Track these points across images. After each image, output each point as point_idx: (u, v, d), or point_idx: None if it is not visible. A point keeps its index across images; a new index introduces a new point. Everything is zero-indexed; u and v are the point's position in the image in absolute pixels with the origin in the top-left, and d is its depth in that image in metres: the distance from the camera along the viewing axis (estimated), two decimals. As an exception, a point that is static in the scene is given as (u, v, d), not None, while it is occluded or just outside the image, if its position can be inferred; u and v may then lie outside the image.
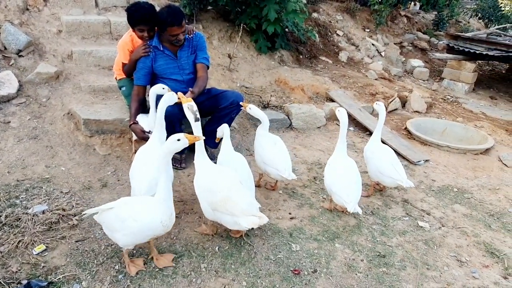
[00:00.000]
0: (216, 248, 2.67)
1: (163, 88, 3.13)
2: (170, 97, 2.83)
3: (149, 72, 3.51)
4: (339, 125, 4.96)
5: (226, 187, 2.48)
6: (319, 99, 5.45)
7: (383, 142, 4.55)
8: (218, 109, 3.64)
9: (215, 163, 3.74)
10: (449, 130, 5.32)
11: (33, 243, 2.49)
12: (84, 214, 2.39)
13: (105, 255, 2.49)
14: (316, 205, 3.34)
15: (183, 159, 3.69)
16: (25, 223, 2.62)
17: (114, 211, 2.25)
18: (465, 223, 3.32)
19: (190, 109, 2.59)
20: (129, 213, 2.21)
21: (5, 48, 4.24)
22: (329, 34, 7.67)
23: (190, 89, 3.38)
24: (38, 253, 2.43)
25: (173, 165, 3.64)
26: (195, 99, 3.57)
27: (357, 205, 2.94)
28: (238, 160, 3.02)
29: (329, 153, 4.21)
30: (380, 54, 7.86)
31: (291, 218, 3.10)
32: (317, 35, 7.29)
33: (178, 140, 2.23)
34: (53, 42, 4.62)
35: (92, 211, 2.32)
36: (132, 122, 3.35)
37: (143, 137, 3.32)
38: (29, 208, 2.76)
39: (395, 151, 4.41)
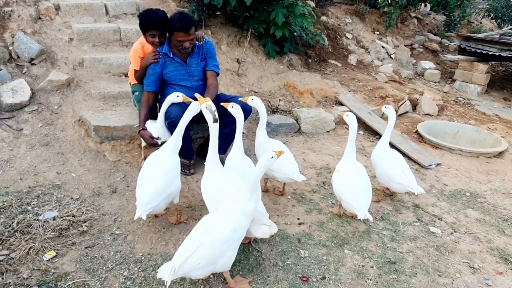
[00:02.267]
0: (224, 255, 2.66)
1: (178, 96, 3.14)
2: (194, 107, 2.85)
3: (158, 78, 3.54)
4: (347, 129, 4.97)
5: (234, 196, 2.47)
6: (328, 103, 5.43)
7: (393, 146, 4.52)
8: (226, 115, 3.64)
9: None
10: (461, 133, 5.23)
11: (43, 250, 2.53)
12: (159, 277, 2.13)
13: (114, 261, 2.51)
14: (325, 210, 3.31)
15: (191, 164, 3.70)
16: (36, 229, 2.66)
17: (204, 251, 2.10)
18: (478, 228, 3.26)
19: (209, 109, 2.57)
20: (226, 245, 2.15)
21: (18, 57, 4.32)
22: (338, 37, 7.64)
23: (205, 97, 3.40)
24: (49, 260, 2.46)
25: (181, 171, 3.67)
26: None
27: (367, 212, 2.91)
28: (246, 164, 3.02)
29: (338, 157, 4.18)
30: (390, 57, 7.79)
31: (300, 224, 3.09)
32: (325, 39, 7.27)
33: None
34: (64, 50, 4.70)
35: (167, 273, 2.05)
36: (141, 128, 3.38)
37: (152, 143, 3.35)
38: (40, 215, 2.80)
39: (405, 155, 4.37)
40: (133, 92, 3.82)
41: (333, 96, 5.53)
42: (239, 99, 3.45)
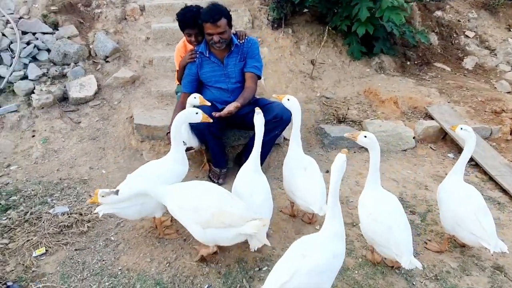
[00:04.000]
0: (205, 287, 2.28)
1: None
2: (182, 115, 2.56)
3: (194, 78, 3.33)
4: (433, 149, 3.97)
5: (214, 202, 2.21)
6: (415, 115, 4.44)
7: (490, 178, 3.44)
8: (266, 122, 3.21)
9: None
10: None
11: (39, 245, 2.55)
12: None
13: (91, 271, 2.37)
14: (357, 252, 2.61)
15: (222, 174, 3.39)
16: (43, 222, 2.72)
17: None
18: None
19: None
20: (324, 275, 1.92)
21: (96, 55, 4.66)
22: (454, 35, 6.31)
23: (234, 102, 3.06)
24: (37, 256, 2.47)
25: (211, 179, 3.40)
26: (239, 110, 3.27)
27: (414, 258, 2.17)
28: (257, 183, 2.56)
29: (404, 185, 3.34)
30: (526, 61, 6.08)
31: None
32: (430, 37, 6.07)
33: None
34: (139, 49, 4.90)
35: None
36: (169, 131, 3.22)
37: (178, 147, 3.17)
38: (53, 208, 2.86)
39: (507, 192, 3.26)
40: (176, 93, 3.71)
41: (424, 107, 4.51)
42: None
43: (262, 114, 2.58)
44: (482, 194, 3.27)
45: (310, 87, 4.93)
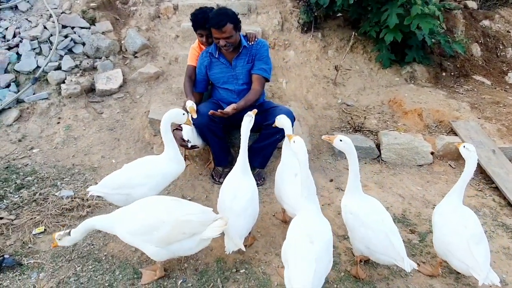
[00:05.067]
0: (180, 282, 2.33)
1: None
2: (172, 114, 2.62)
3: (203, 79, 3.41)
4: (452, 167, 3.74)
5: (167, 216, 2.12)
6: (439, 130, 4.20)
7: (509, 204, 3.19)
8: (263, 125, 3.22)
9: (258, 184, 3.36)
10: None
11: (39, 223, 2.75)
12: None
13: (79, 253, 2.52)
14: (341, 266, 2.54)
15: (224, 173, 3.43)
16: (48, 203, 2.93)
17: None
18: None
19: None
20: (330, 253, 2.09)
21: (126, 50, 4.90)
22: (500, 47, 5.88)
23: (233, 104, 3.10)
24: (35, 234, 2.66)
25: (212, 178, 3.45)
26: (244, 112, 3.29)
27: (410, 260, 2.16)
28: (243, 186, 2.55)
29: (410, 202, 3.20)
30: None
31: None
32: (478, 48, 5.71)
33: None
34: (167, 46, 5.08)
35: None
36: (175, 128, 3.32)
37: (181, 144, 3.26)
38: (60, 191, 3.07)
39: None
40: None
41: (449, 121, 4.25)
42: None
43: (251, 117, 2.58)
44: (495, 220, 3.08)
45: (332, 93, 4.83)
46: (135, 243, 2.18)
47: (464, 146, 2.38)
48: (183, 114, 2.64)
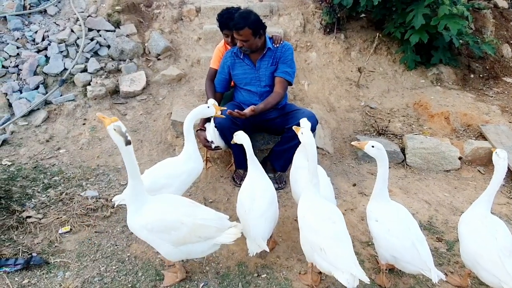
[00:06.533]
0: (201, 285, 2.33)
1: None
2: (198, 110, 2.64)
3: (224, 78, 3.41)
4: (481, 173, 3.61)
5: (186, 218, 2.12)
6: (467, 134, 4.06)
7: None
8: (285, 129, 3.19)
9: (279, 188, 3.34)
10: None
11: (65, 223, 2.81)
12: None
13: (103, 253, 2.56)
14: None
15: (244, 176, 3.40)
16: (74, 203, 2.99)
17: None
18: None
19: (118, 130, 1.94)
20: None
21: (149, 52, 4.97)
22: (533, 48, 5.64)
23: (252, 106, 3.09)
24: (62, 233, 2.72)
25: (234, 180, 3.45)
26: (266, 114, 3.28)
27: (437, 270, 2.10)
28: (262, 188, 2.52)
29: (436, 208, 3.10)
30: None
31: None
32: (509, 49, 5.51)
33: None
34: (190, 48, 5.12)
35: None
36: (199, 128, 3.35)
37: (205, 145, 3.29)
38: (85, 191, 3.13)
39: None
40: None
41: (478, 125, 4.11)
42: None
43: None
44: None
45: (354, 95, 4.75)
46: (149, 239, 2.13)
47: (495, 153, 2.29)
48: (208, 107, 2.65)
